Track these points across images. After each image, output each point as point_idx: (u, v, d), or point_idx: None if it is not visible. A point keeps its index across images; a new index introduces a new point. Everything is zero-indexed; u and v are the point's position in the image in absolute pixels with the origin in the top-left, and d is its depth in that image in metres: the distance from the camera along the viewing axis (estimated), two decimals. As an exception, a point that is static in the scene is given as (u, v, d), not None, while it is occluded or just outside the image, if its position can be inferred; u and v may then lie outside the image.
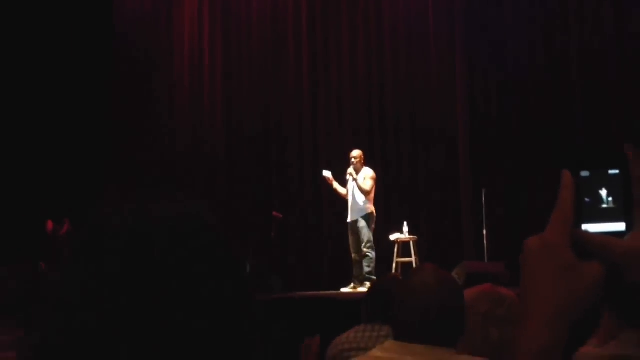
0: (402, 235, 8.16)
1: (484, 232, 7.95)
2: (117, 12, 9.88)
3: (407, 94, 9.58)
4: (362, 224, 7.72)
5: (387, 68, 9.71)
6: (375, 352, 1.82)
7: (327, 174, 7.94)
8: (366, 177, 7.77)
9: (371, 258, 7.71)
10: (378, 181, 7.97)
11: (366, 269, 7.67)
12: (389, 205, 9.04)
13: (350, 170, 7.78)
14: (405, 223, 8.21)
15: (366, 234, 7.72)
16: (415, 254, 8.04)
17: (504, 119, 9.10)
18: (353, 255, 7.87)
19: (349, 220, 7.83)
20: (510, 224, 8.30)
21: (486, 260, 7.67)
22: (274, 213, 8.44)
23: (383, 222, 8.42)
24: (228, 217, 9.29)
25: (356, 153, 7.88)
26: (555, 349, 0.70)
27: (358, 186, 7.69)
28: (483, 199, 8.05)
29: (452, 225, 9.00)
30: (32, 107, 8.65)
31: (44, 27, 8.74)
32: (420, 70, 9.56)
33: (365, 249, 7.70)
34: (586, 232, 0.73)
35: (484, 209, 8.02)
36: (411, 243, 8.15)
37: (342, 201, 8.03)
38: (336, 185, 7.91)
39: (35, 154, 8.62)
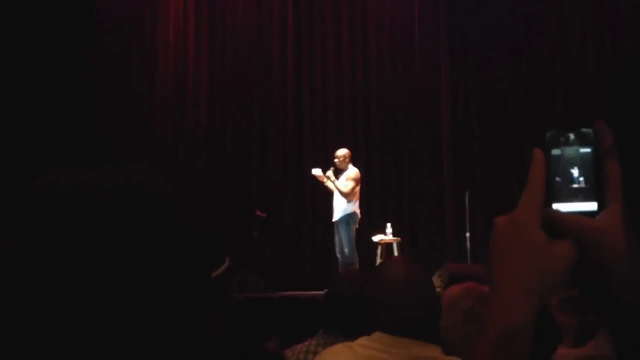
0: (386, 236, 8.16)
1: (467, 234, 7.97)
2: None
3: (392, 94, 9.61)
4: (343, 224, 7.70)
5: (372, 68, 9.73)
6: (363, 340, 1.81)
7: (316, 171, 7.89)
8: (348, 177, 7.74)
9: (353, 260, 7.68)
10: (362, 181, 7.95)
11: None
12: (372, 206, 9.04)
13: (329, 173, 7.76)
14: (388, 224, 8.21)
15: (346, 235, 7.68)
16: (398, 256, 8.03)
17: (488, 121, 9.15)
18: (338, 256, 7.85)
19: (333, 219, 7.83)
20: (492, 230, 8.31)
21: (469, 262, 7.68)
22: (257, 212, 8.40)
23: (367, 223, 8.41)
24: (210, 216, 9.24)
25: (340, 152, 7.86)
26: (524, 330, 0.68)
27: (337, 188, 7.68)
28: (466, 201, 8.07)
29: (436, 227, 9.02)
30: (10, 97, 8.50)
31: (24, 13, 8.60)
32: (405, 73, 9.60)
33: (346, 251, 7.68)
34: (557, 211, 0.72)
35: (467, 210, 8.03)
36: (394, 244, 8.14)
37: (327, 200, 8.02)
38: (328, 182, 7.88)
39: (11, 145, 8.46)
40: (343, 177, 7.76)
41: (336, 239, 7.86)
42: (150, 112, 9.78)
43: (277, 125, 9.77)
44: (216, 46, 10.03)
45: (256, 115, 9.85)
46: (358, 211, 7.79)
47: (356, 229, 7.81)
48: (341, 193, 7.66)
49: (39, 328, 0.55)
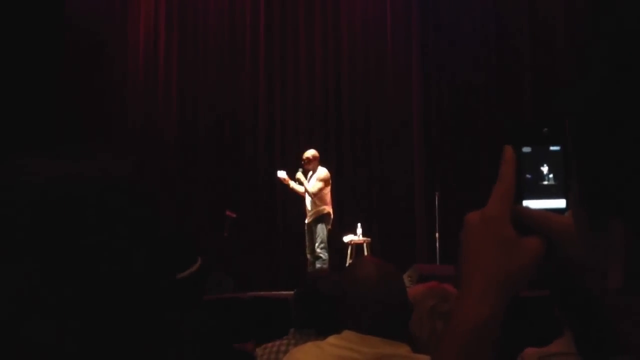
0: (356, 237, 8.18)
1: (437, 235, 8.02)
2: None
3: (363, 96, 9.64)
4: (316, 224, 7.72)
5: (344, 68, 9.75)
6: (332, 339, 1.81)
7: (281, 174, 7.89)
8: (318, 178, 7.74)
9: (324, 259, 7.70)
10: (333, 182, 7.95)
11: None
12: (342, 207, 9.05)
13: (298, 174, 7.75)
14: (359, 225, 8.24)
15: (320, 235, 7.71)
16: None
17: (459, 122, 9.22)
18: (308, 256, 7.86)
19: (306, 221, 7.83)
20: (462, 227, 8.38)
21: (438, 263, 7.73)
22: (227, 212, 8.36)
23: (337, 223, 8.42)
24: (181, 216, 9.17)
25: (308, 154, 7.85)
26: (492, 323, 0.69)
27: (305, 189, 7.68)
28: (436, 202, 8.12)
29: (406, 227, 9.07)
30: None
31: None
32: (377, 73, 9.63)
33: (318, 250, 7.70)
34: (526, 208, 0.73)
35: (437, 211, 8.09)
36: (364, 245, 8.17)
37: (297, 200, 8.02)
38: (293, 184, 7.87)
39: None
40: (313, 178, 7.76)
41: (307, 239, 7.87)
42: (121, 112, 9.68)
43: (249, 124, 9.74)
44: (187, 44, 9.95)
45: (227, 114, 9.80)
46: (331, 211, 7.81)
47: (329, 229, 7.83)
48: (309, 194, 7.66)
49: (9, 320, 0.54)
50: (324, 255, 7.71)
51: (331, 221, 7.84)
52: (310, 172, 7.80)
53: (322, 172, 7.80)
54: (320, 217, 7.72)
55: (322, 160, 8.00)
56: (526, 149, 0.75)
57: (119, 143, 9.32)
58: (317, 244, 7.71)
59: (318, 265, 7.67)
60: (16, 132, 8.02)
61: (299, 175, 7.75)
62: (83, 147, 0.62)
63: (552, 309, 2.40)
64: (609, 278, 0.48)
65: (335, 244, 8.28)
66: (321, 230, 7.71)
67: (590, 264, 0.53)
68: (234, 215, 8.42)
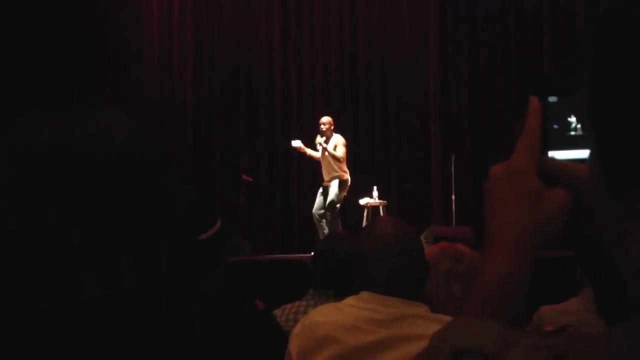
0: (372, 199, 8.18)
1: (453, 196, 8.01)
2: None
3: (379, 59, 9.54)
4: (333, 188, 7.70)
5: (360, 31, 9.64)
6: (350, 300, 1.80)
7: (296, 143, 7.87)
8: (337, 144, 7.72)
9: (330, 221, 7.68)
10: (348, 145, 7.93)
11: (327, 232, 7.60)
12: (359, 169, 9.03)
13: (319, 139, 7.71)
14: (375, 187, 8.23)
15: (333, 197, 7.69)
16: (384, 219, 8.05)
17: (474, 84, 9.13)
18: (315, 215, 7.87)
19: (325, 183, 7.83)
20: (478, 188, 8.33)
21: (454, 225, 7.73)
22: (243, 176, 8.39)
23: (353, 186, 8.42)
24: (196, 181, 9.19)
25: (325, 119, 7.81)
26: (519, 277, 0.68)
27: (330, 154, 7.65)
28: (452, 163, 8.08)
29: (422, 189, 9.05)
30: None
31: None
32: (393, 34, 9.52)
33: (328, 215, 7.69)
34: (552, 159, 0.71)
35: (452, 173, 8.06)
36: (381, 207, 8.18)
37: (313, 163, 8.01)
38: (309, 151, 7.87)
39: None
40: (331, 144, 7.73)
41: (319, 199, 7.85)
42: (137, 76, 9.65)
43: (264, 90, 9.69)
44: (201, 5, 9.85)
45: (243, 80, 9.75)
46: (349, 178, 7.80)
47: (344, 195, 7.83)
48: (336, 159, 7.63)
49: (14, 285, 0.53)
50: (332, 216, 7.68)
51: (347, 187, 7.83)
52: (324, 138, 7.75)
53: (341, 138, 7.79)
54: (342, 183, 7.71)
55: (338, 123, 7.97)
56: (552, 99, 0.72)
57: (134, 106, 9.28)
58: (330, 208, 7.69)
59: (323, 224, 7.67)
60: (31, 91, 8.04)
61: (320, 140, 7.69)
62: (94, 105, 0.60)
63: (573, 269, 2.40)
64: (633, 245, 0.46)
65: (351, 207, 8.28)
66: (335, 194, 7.69)
67: (610, 230, 0.50)
68: (250, 179, 8.45)
